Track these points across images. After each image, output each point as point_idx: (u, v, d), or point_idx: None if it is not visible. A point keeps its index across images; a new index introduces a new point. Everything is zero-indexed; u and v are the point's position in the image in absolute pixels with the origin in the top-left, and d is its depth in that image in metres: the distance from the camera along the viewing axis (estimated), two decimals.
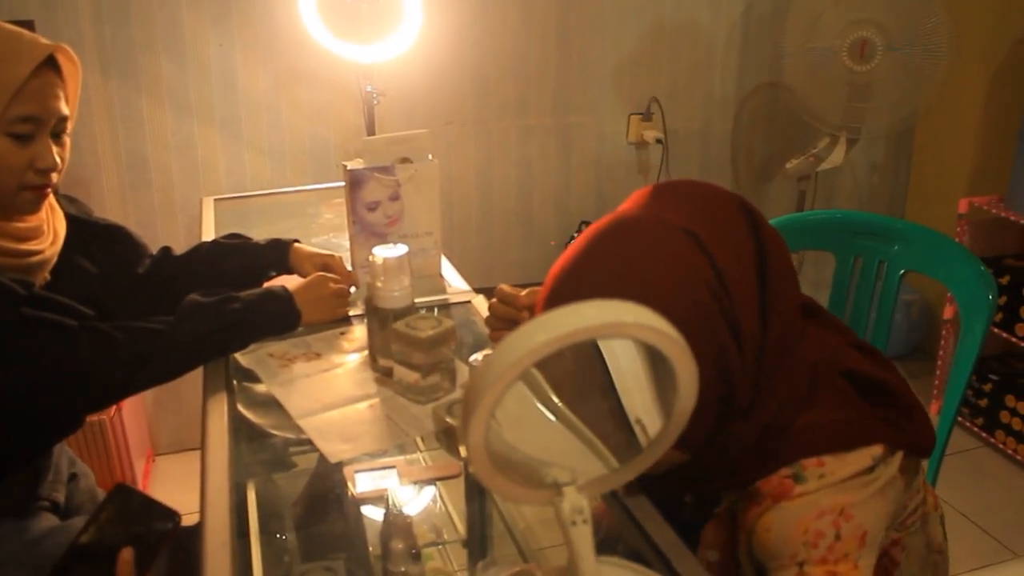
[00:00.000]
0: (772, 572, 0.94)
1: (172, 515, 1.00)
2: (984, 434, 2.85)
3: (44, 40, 1.27)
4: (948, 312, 2.87)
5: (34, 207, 1.31)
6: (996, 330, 2.75)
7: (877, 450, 0.94)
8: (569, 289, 0.91)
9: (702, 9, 2.99)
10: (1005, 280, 2.73)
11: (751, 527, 0.95)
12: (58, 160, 1.29)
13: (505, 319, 1.22)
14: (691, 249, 0.89)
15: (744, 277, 0.91)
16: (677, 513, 1.05)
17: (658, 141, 2.97)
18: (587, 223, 2.98)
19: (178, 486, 2.67)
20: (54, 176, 1.30)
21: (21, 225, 1.30)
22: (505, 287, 1.23)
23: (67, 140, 1.33)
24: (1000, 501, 2.60)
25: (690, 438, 0.80)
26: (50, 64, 1.27)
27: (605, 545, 1.04)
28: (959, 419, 2.91)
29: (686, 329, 0.73)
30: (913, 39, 2.60)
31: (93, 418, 2.33)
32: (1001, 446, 2.79)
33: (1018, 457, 2.73)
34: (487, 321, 1.25)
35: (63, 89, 1.30)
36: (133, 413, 2.60)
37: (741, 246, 0.93)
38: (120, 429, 2.42)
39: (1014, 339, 2.71)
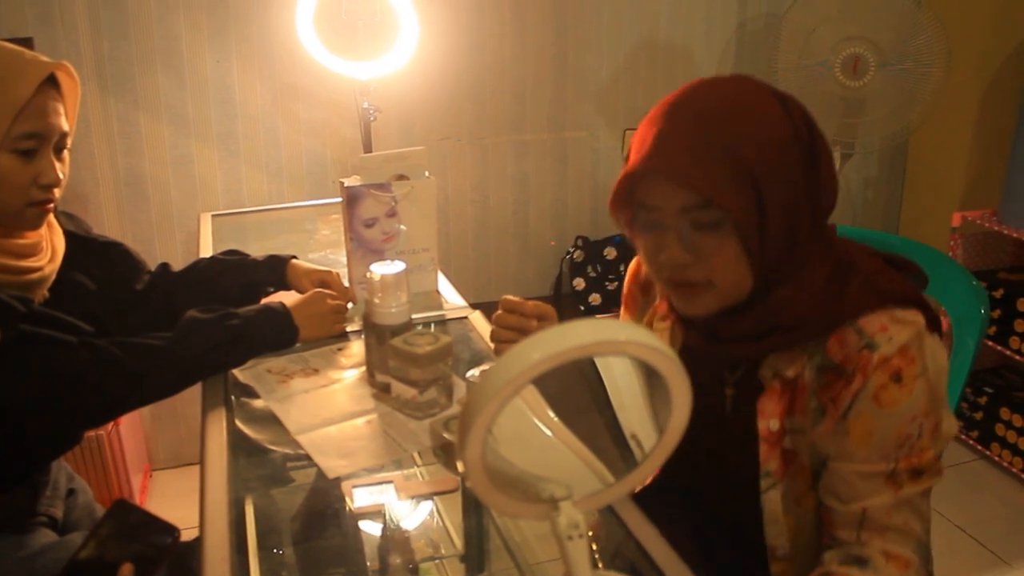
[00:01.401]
0: (854, 466, 1.04)
1: (171, 530, 1.00)
2: (980, 447, 2.86)
3: (45, 58, 1.28)
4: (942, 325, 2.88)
5: (38, 222, 1.33)
6: (991, 343, 2.76)
7: (921, 318, 1.05)
8: (696, 125, 1.01)
9: (696, 25, 3.02)
10: (999, 293, 2.74)
11: (844, 410, 1.04)
12: (60, 175, 1.31)
13: (516, 328, 1.25)
14: (779, 97, 1.05)
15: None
16: (717, 404, 1.16)
17: None
18: (583, 238, 2.99)
19: (176, 501, 2.67)
20: (56, 191, 1.31)
21: (20, 242, 1.31)
22: (510, 297, 1.26)
23: (67, 156, 1.35)
24: (996, 513, 2.61)
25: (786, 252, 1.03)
26: (50, 81, 1.29)
27: (601, 559, 1.05)
28: None
29: (781, 148, 1.00)
30: (905, 55, 2.62)
31: (91, 433, 2.33)
32: (997, 459, 2.80)
33: (1014, 469, 2.74)
34: (493, 333, 1.26)
35: (63, 105, 1.32)
36: (131, 428, 2.60)
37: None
38: (118, 444, 2.42)
39: (1009, 352, 2.72)
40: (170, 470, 2.87)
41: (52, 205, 1.33)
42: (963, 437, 2.91)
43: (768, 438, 1.09)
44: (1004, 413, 2.76)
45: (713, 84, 1.06)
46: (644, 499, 1.10)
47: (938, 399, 1.05)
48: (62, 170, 1.32)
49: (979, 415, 2.85)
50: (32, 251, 1.33)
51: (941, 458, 1.07)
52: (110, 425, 2.39)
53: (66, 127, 1.32)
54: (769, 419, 1.09)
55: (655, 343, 0.65)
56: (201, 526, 1.05)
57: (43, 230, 1.37)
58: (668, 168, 1.00)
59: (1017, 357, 2.69)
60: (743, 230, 1.00)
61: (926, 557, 1.05)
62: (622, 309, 1.37)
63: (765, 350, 1.08)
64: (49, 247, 1.38)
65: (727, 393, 1.16)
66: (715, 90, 1.04)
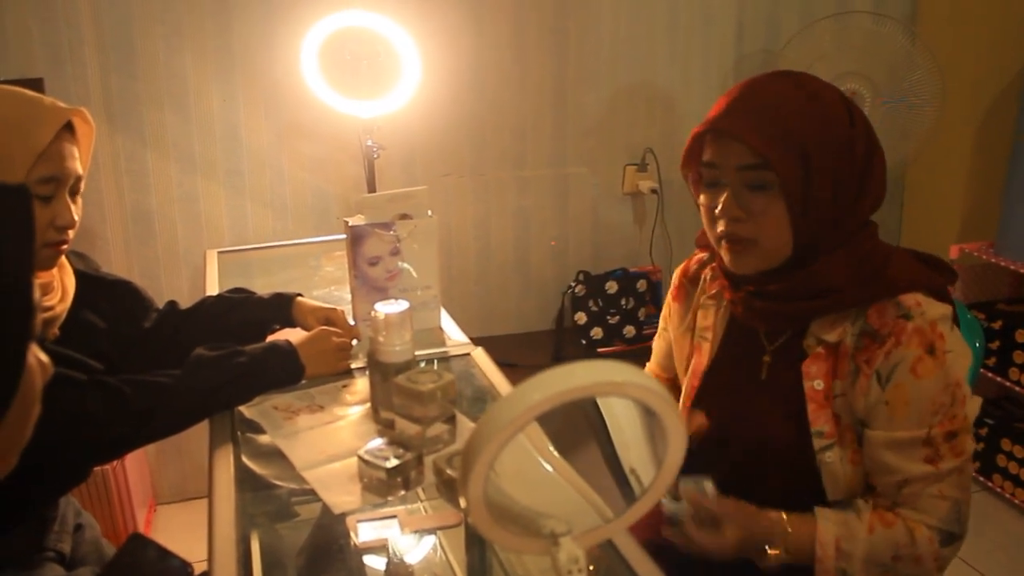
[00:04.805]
0: (893, 433, 1.16)
1: (185, 566, 1.02)
2: (981, 478, 2.87)
3: (63, 105, 1.32)
4: None
5: (51, 263, 1.36)
6: (991, 375, 2.78)
7: (949, 309, 1.18)
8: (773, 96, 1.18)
9: (694, 61, 3.06)
10: (998, 325, 2.76)
11: (876, 371, 1.16)
12: (75, 218, 1.34)
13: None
14: (848, 108, 1.19)
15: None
16: (755, 372, 1.29)
17: (653, 191, 3.02)
18: (584, 273, 3.02)
19: (180, 535, 2.67)
20: (70, 233, 1.35)
21: None
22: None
23: (79, 198, 1.38)
24: (998, 545, 2.61)
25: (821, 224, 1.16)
26: (66, 126, 1.32)
27: None
28: None
29: (836, 140, 1.15)
30: (900, 91, 2.66)
31: (96, 468, 2.35)
32: (999, 490, 2.81)
33: (1016, 501, 2.74)
34: None
35: (79, 149, 1.35)
36: (136, 463, 2.61)
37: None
38: (123, 479, 2.44)
39: (1008, 383, 2.73)
40: (174, 504, 2.88)
41: (65, 246, 1.36)
42: None
43: (815, 397, 1.21)
44: (1005, 444, 2.77)
45: (791, 75, 1.21)
46: None
47: (963, 376, 1.17)
48: (76, 212, 1.36)
49: (980, 446, 2.86)
50: (43, 291, 1.36)
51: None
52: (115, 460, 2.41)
53: (81, 171, 1.35)
54: (814, 380, 1.21)
55: (650, 384, 0.67)
56: (209, 561, 1.07)
57: (54, 270, 1.40)
58: (731, 125, 1.15)
59: (1017, 388, 2.71)
60: (789, 195, 1.14)
61: (955, 527, 1.17)
62: (670, 301, 1.48)
63: (813, 310, 1.20)
64: (60, 286, 1.41)
65: (764, 360, 1.28)
66: (791, 79, 1.20)
